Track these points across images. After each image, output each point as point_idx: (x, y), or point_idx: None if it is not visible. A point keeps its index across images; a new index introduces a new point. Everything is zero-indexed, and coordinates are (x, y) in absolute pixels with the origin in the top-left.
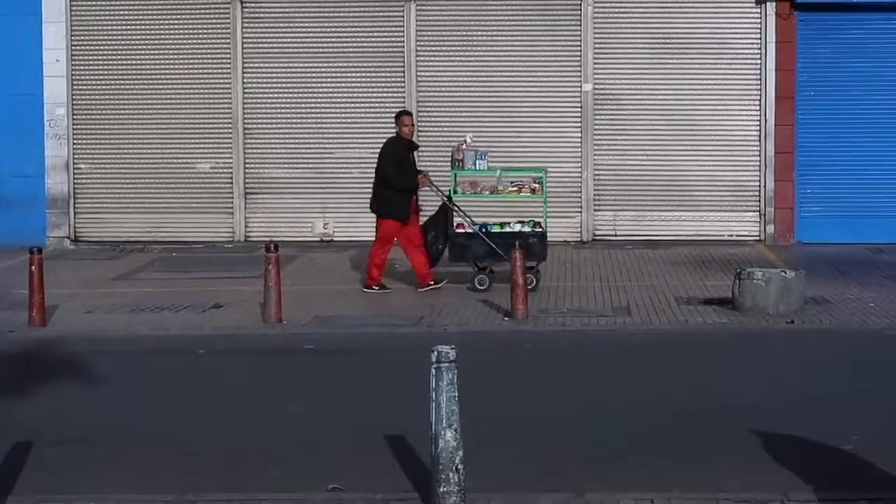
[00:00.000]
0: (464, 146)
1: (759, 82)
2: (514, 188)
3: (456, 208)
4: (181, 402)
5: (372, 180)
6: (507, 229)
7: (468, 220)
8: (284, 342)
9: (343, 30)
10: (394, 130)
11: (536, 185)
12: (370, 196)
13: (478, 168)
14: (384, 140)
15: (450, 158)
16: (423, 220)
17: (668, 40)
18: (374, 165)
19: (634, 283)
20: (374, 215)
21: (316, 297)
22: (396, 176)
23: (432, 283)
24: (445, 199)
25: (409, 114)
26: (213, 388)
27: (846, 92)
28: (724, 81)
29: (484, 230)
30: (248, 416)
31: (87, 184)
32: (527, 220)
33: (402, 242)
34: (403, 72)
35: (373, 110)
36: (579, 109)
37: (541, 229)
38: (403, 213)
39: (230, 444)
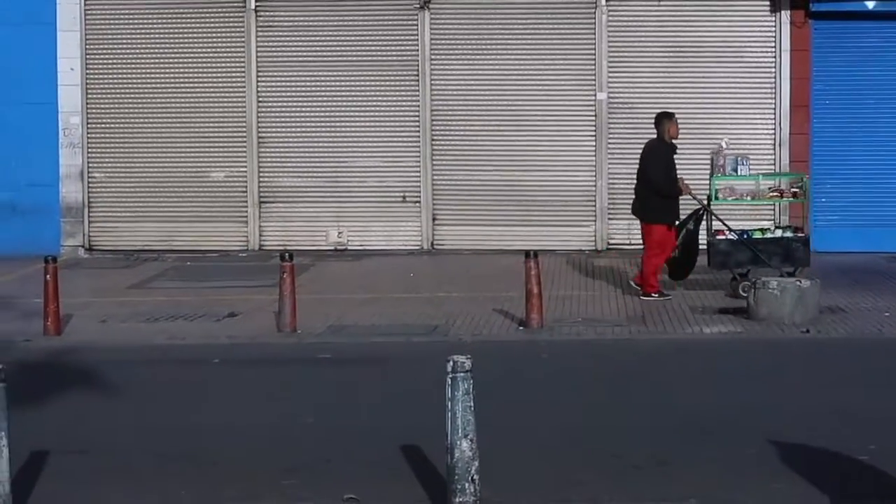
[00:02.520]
0: (723, 151)
1: (773, 91)
2: (775, 193)
3: (714, 215)
4: (196, 412)
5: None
6: (769, 235)
7: (727, 226)
8: (299, 351)
9: (357, 38)
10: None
11: (797, 190)
12: (632, 200)
13: (739, 173)
14: (397, 147)
15: (709, 164)
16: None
17: (682, 49)
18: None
19: None
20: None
21: (331, 306)
22: (666, 180)
23: (656, 294)
24: (703, 205)
25: (674, 115)
26: (227, 398)
27: (861, 100)
28: (739, 90)
29: (745, 236)
30: (263, 426)
31: (101, 192)
32: (784, 225)
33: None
34: (417, 80)
35: (387, 119)
36: (594, 118)
37: (803, 234)
38: (672, 218)
39: (245, 454)
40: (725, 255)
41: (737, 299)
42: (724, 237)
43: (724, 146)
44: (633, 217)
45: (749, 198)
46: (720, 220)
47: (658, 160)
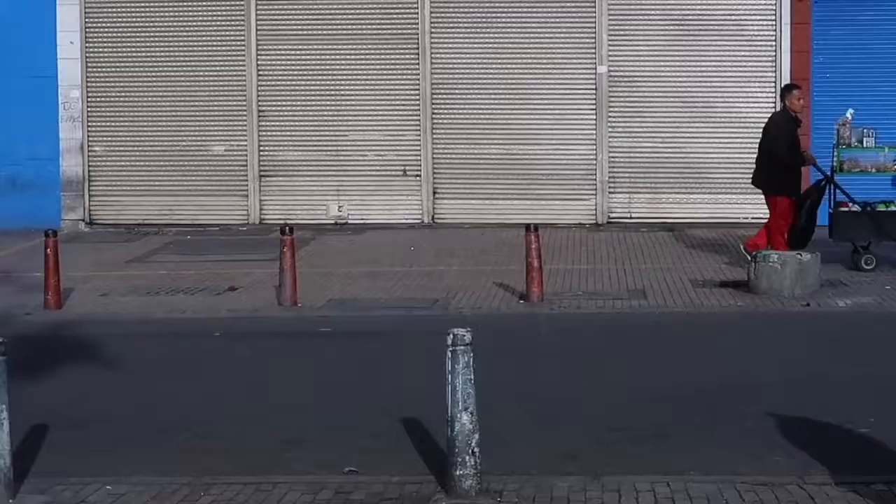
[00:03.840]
0: (848, 123)
1: (774, 64)
2: None
3: (839, 187)
4: (197, 385)
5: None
6: (893, 208)
7: (850, 198)
8: (300, 325)
9: (357, 11)
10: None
11: None
12: (753, 171)
13: (865, 145)
14: (397, 121)
15: (834, 135)
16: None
17: (683, 22)
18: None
19: (649, 265)
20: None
21: (331, 279)
22: (789, 152)
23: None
24: (827, 177)
25: (799, 87)
26: (229, 371)
27: (862, 74)
28: (740, 63)
29: (869, 209)
30: (264, 399)
31: (101, 166)
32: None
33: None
34: (418, 54)
35: (387, 92)
36: (594, 91)
37: None
38: (797, 190)
39: (246, 427)
40: (848, 228)
41: (858, 271)
42: (847, 209)
43: (850, 117)
44: (636, 191)
45: (874, 170)
46: (844, 192)
47: (781, 132)
